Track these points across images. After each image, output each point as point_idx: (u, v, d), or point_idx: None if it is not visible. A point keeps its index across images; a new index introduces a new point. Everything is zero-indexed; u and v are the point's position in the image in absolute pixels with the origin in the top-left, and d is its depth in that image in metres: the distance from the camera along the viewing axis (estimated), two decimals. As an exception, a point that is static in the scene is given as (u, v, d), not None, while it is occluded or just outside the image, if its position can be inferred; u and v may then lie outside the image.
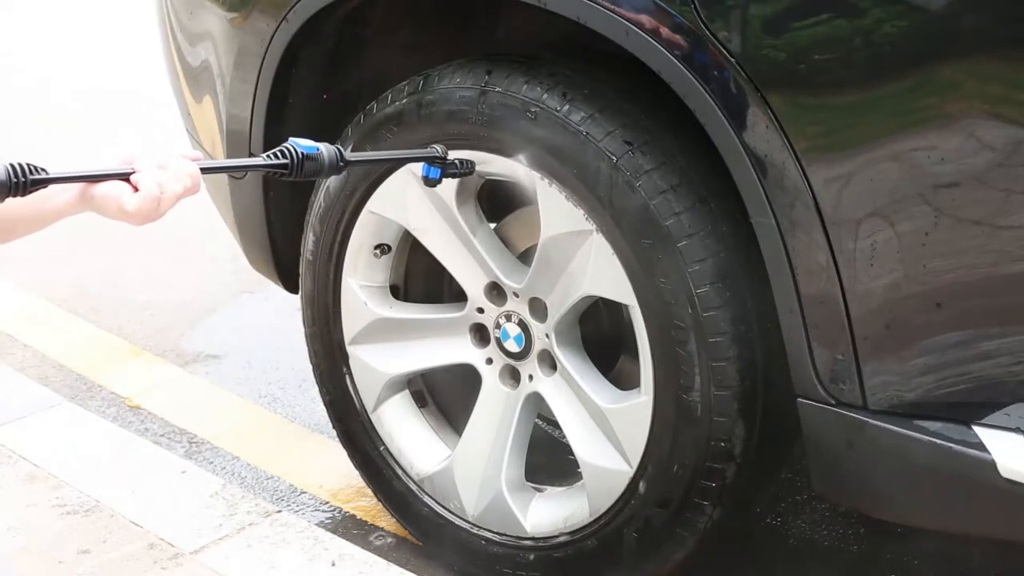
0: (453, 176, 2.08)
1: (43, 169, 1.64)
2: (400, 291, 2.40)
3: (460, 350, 2.32)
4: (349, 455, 2.52)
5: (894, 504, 1.94)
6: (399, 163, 2.17)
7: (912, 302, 1.78)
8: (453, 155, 2.13)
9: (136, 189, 1.67)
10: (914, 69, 1.70)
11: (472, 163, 2.09)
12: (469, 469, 2.32)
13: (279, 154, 1.82)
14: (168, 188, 1.68)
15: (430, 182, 2.05)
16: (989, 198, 1.69)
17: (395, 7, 2.34)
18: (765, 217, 1.84)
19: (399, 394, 2.43)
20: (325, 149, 1.85)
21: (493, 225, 2.30)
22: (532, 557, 2.26)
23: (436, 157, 2.03)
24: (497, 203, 2.31)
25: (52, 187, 1.66)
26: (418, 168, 2.19)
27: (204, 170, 1.77)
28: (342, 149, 1.88)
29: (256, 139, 2.43)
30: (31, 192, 1.63)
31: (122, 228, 1.74)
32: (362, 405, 2.43)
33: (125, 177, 1.68)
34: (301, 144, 1.83)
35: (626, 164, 1.97)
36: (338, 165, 1.87)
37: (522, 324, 2.21)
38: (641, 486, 2.09)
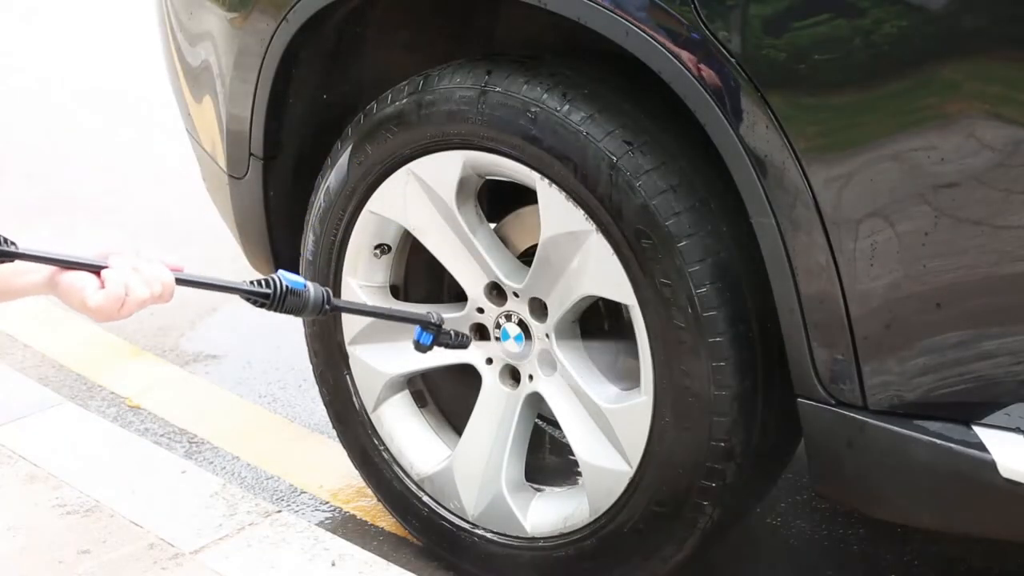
0: (445, 346, 2.00)
1: (13, 243, 1.59)
2: (400, 291, 2.40)
3: (460, 350, 2.31)
4: (349, 455, 2.52)
5: (894, 504, 1.94)
6: (389, 319, 2.10)
7: (912, 302, 1.78)
8: (449, 155, 2.14)
9: (103, 285, 1.63)
10: (914, 69, 1.70)
11: (468, 339, 2.04)
12: (469, 469, 2.32)
13: (263, 283, 1.78)
14: (134, 292, 1.64)
15: (420, 347, 1.97)
16: (989, 198, 1.69)
17: (395, 7, 2.34)
18: (765, 217, 1.84)
19: (399, 394, 2.43)
20: (312, 289, 1.80)
21: (493, 225, 2.30)
22: (531, 557, 2.26)
23: (430, 323, 1.95)
24: (497, 203, 2.31)
25: (22, 264, 1.62)
26: (419, 168, 2.20)
27: (180, 281, 1.72)
28: (330, 293, 1.83)
29: (256, 139, 2.44)
30: None
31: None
32: (362, 405, 2.43)
33: (96, 270, 1.64)
34: (288, 278, 1.78)
35: (626, 164, 1.97)
36: (322, 307, 1.81)
37: (522, 324, 2.21)
38: (641, 486, 2.09)
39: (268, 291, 1.77)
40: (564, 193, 2.04)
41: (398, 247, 2.34)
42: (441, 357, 2.34)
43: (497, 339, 2.24)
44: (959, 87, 1.68)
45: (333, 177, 2.31)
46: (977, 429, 1.80)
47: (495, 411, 2.28)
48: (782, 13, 1.78)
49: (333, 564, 2.30)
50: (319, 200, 2.35)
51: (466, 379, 2.36)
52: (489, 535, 2.32)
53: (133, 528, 2.39)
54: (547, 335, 2.18)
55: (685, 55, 1.84)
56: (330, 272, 2.36)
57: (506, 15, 2.34)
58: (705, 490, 2.04)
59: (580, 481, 2.22)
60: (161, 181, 4.36)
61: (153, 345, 3.35)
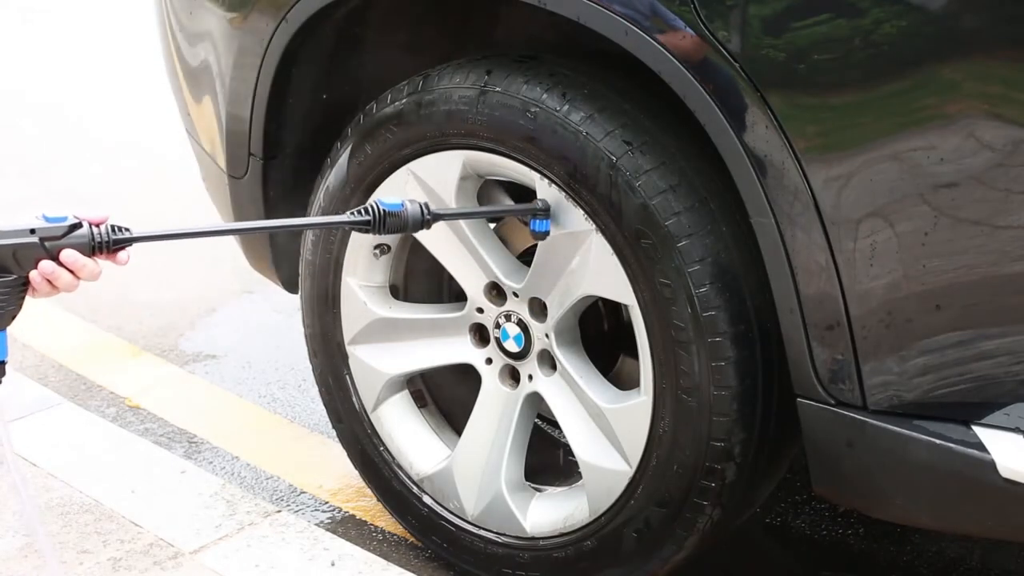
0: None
1: (127, 229, 1.72)
2: (400, 291, 2.40)
3: (460, 350, 2.31)
4: (349, 455, 2.52)
5: (894, 504, 1.94)
6: (498, 215, 2.20)
7: (911, 302, 1.78)
8: (448, 155, 2.14)
9: None
10: (914, 69, 1.70)
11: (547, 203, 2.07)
12: (469, 469, 2.32)
13: (363, 211, 1.91)
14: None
15: (539, 236, 2.07)
16: (989, 198, 1.69)
17: (394, 7, 2.34)
18: (765, 217, 1.84)
19: (399, 394, 2.43)
20: (409, 206, 1.93)
21: (493, 225, 2.30)
22: (531, 557, 2.26)
23: (538, 210, 2.05)
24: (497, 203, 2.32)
25: None
26: (418, 168, 2.20)
27: (278, 228, 1.79)
28: (428, 206, 1.95)
29: (256, 139, 2.43)
30: None
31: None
32: (362, 405, 2.43)
33: None
34: (385, 202, 1.92)
35: (626, 164, 1.97)
36: (423, 220, 1.94)
37: (522, 324, 2.21)
38: (641, 486, 2.09)
39: (368, 218, 1.91)
40: (564, 193, 2.04)
41: (397, 247, 2.34)
42: (441, 357, 2.35)
43: (497, 339, 2.24)
44: (959, 87, 1.68)
45: (333, 177, 2.31)
46: (977, 429, 1.80)
47: (495, 411, 2.28)
48: (782, 13, 1.78)
49: (333, 564, 2.30)
50: (319, 200, 2.35)
51: (466, 379, 2.37)
52: (489, 535, 2.32)
53: (133, 528, 2.39)
54: (547, 335, 2.18)
55: (684, 55, 1.84)
56: (329, 272, 2.37)
57: (505, 15, 2.34)
58: (705, 490, 2.04)
59: (580, 481, 2.22)
60: (160, 180, 4.37)
61: (153, 345, 3.35)
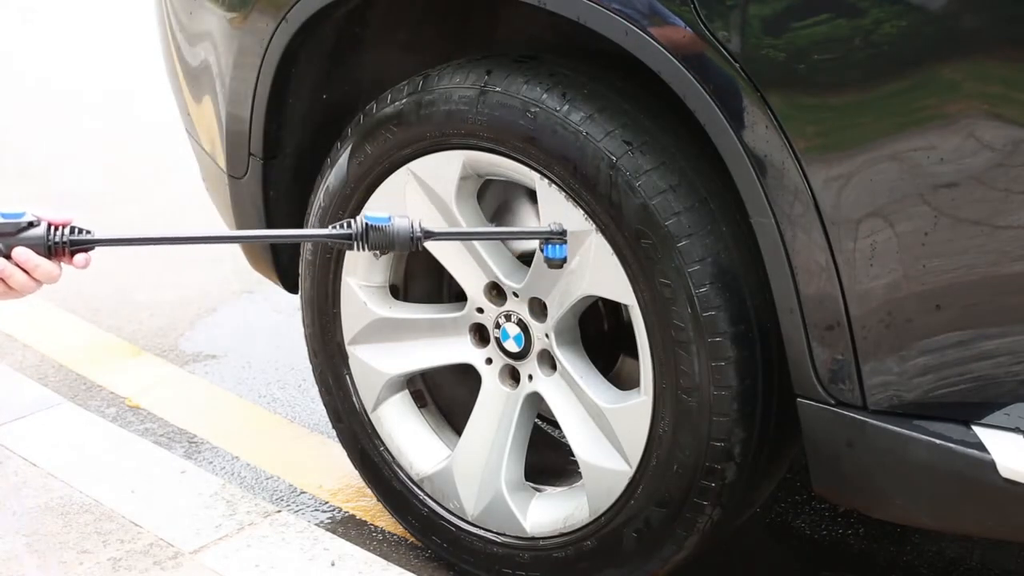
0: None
1: (89, 231, 1.66)
2: (400, 291, 2.40)
3: (460, 350, 2.32)
4: (348, 455, 2.52)
5: (894, 504, 1.94)
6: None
7: (912, 302, 1.78)
8: (448, 155, 2.13)
9: None
10: (914, 69, 1.70)
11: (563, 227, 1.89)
12: (469, 469, 2.32)
13: (346, 224, 1.78)
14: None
15: (554, 263, 1.88)
16: (989, 198, 1.69)
17: (394, 7, 2.34)
18: (765, 217, 1.84)
19: (399, 394, 2.43)
20: (397, 221, 1.77)
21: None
22: (531, 557, 2.26)
23: (554, 234, 1.87)
24: (496, 203, 2.31)
25: None
26: (418, 168, 2.20)
27: (255, 238, 1.77)
28: (421, 224, 1.79)
29: (255, 139, 2.43)
30: None
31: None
32: (362, 405, 2.43)
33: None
34: (371, 216, 1.78)
35: (626, 164, 1.97)
36: (413, 239, 1.77)
37: (522, 324, 2.21)
38: (641, 486, 2.09)
39: (350, 231, 1.77)
40: (564, 193, 2.04)
41: (398, 247, 2.34)
42: (441, 357, 2.35)
43: (497, 339, 2.24)
44: (959, 87, 1.68)
45: (333, 177, 2.31)
46: (977, 429, 1.80)
47: (495, 411, 2.28)
48: (782, 13, 1.78)
49: (333, 564, 2.30)
50: (319, 200, 2.35)
51: (466, 379, 2.37)
52: (489, 535, 2.32)
53: (132, 528, 2.39)
54: (547, 335, 2.18)
55: (684, 55, 1.84)
56: (329, 272, 2.37)
57: (505, 15, 2.34)
58: (705, 490, 2.04)
59: (580, 481, 2.22)
60: (160, 180, 4.37)
61: (153, 345, 3.35)
